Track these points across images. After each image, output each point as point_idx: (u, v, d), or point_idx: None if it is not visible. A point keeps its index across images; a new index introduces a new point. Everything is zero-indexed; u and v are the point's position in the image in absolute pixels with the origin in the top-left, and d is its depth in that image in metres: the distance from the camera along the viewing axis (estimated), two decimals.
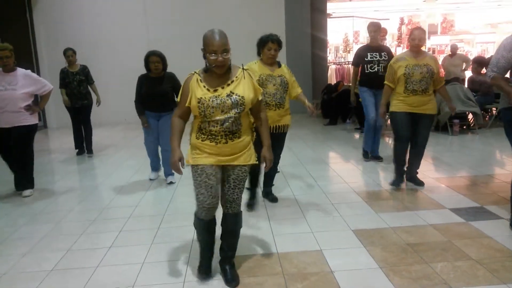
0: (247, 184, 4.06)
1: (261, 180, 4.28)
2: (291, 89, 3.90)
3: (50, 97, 4.82)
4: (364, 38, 19.25)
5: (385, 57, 5.36)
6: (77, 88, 6.46)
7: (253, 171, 3.94)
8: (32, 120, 4.60)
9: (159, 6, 10.04)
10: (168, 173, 4.98)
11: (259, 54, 3.87)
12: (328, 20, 11.90)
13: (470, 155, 5.87)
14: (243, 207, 2.78)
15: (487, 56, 12.85)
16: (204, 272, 2.71)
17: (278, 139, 3.83)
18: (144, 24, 10.06)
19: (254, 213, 3.87)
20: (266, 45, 3.75)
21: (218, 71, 2.39)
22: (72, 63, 6.52)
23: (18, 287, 2.75)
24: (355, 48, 14.69)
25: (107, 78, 9.18)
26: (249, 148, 2.57)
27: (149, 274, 2.82)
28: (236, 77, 2.48)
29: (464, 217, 3.55)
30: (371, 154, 5.66)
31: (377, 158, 5.61)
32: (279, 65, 3.88)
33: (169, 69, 4.69)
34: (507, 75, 3.25)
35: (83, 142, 6.83)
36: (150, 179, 5.11)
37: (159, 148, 4.98)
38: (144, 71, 4.66)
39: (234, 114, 2.42)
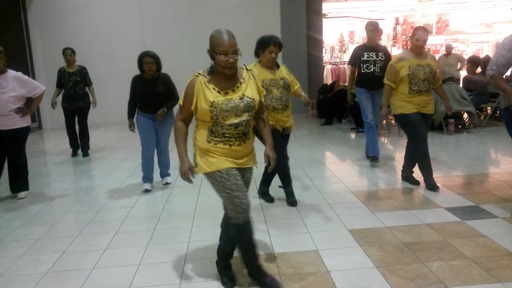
0: (279, 184, 4.11)
1: (258, 180, 4.28)
2: (292, 88, 3.88)
3: (44, 98, 4.75)
4: (359, 38, 19.33)
5: (382, 57, 5.28)
6: (73, 88, 6.38)
7: (282, 171, 3.95)
8: (23, 123, 4.48)
9: (155, 7, 10.03)
10: (164, 174, 4.96)
11: (257, 54, 3.77)
12: (324, 20, 11.92)
13: (465, 154, 5.89)
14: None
15: (481, 55, 12.92)
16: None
17: (285, 139, 3.92)
18: (140, 25, 10.04)
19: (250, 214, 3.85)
20: (268, 47, 3.63)
21: (228, 72, 2.33)
22: (71, 63, 6.43)
23: None
24: (351, 48, 14.74)
25: (102, 79, 9.14)
26: (253, 149, 2.58)
27: (145, 275, 2.81)
28: (243, 78, 2.44)
29: (460, 216, 3.57)
30: (368, 154, 5.57)
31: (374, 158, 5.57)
32: (278, 66, 3.81)
33: (165, 70, 4.62)
34: (508, 74, 3.27)
35: (79, 144, 6.74)
36: (147, 190, 4.68)
37: (155, 151, 4.85)
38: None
39: (247, 117, 2.39)
